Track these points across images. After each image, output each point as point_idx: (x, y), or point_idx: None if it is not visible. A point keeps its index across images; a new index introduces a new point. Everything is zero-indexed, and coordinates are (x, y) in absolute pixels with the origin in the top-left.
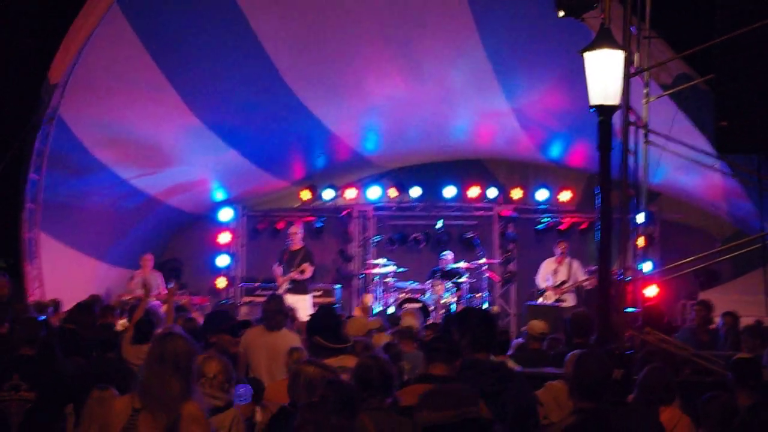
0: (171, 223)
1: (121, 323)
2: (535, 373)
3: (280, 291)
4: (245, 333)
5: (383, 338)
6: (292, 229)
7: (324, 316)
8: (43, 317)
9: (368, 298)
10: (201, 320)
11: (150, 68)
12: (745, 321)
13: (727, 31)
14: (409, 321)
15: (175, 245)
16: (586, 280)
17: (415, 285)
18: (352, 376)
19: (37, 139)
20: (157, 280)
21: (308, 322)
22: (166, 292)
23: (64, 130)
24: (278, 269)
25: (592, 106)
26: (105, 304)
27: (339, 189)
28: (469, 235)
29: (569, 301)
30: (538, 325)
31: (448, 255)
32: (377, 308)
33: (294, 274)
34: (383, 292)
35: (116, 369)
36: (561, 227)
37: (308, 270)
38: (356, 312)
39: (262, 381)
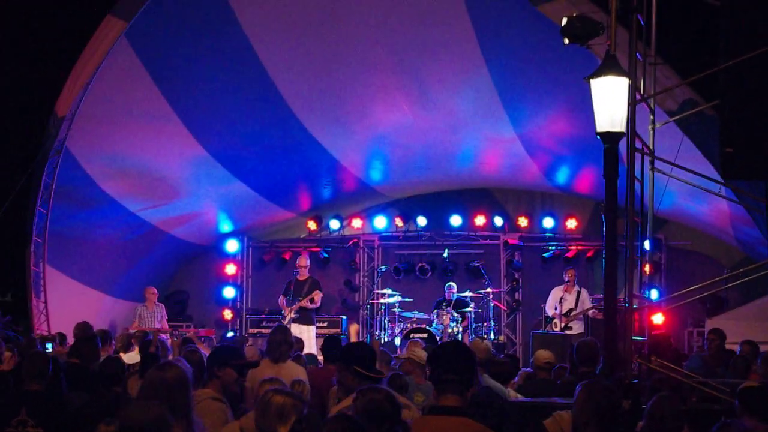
0: (177, 254)
1: (127, 356)
2: (543, 403)
3: (286, 321)
4: None
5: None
6: (301, 261)
7: (360, 346)
8: (49, 350)
9: (354, 328)
10: (206, 352)
11: (157, 99)
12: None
13: (732, 56)
14: (417, 351)
15: (182, 277)
16: (591, 308)
17: (421, 315)
18: (358, 410)
19: (45, 172)
20: (161, 312)
21: (343, 351)
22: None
23: (72, 162)
24: (283, 300)
25: (598, 133)
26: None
27: (345, 219)
28: (476, 263)
29: (577, 329)
30: (543, 354)
31: (453, 285)
32: (384, 339)
33: (305, 302)
34: (389, 322)
35: (121, 403)
36: (568, 255)
37: (318, 297)
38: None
39: None
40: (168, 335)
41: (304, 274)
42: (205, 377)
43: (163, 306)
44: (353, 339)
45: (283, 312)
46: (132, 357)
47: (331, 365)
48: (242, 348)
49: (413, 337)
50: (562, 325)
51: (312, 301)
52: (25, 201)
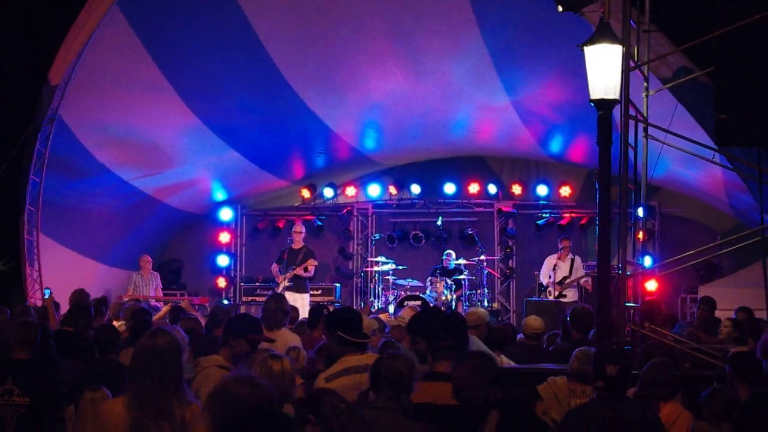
0: (171, 223)
1: (120, 324)
2: (535, 369)
3: (279, 289)
4: None
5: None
6: (297, 228)
7: (344, 311)
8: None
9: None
10: (202, 321)
11: (150, 68)
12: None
13: (726, 23)
14: (407, 318)
15: (176, 245)
16: (583, 277)
17: (415, 282)
18: (370, 372)
19: (38, 141)
20: (155, 281)
21: (328, 317)
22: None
23: (65, 131)
24: (276, 268)
25: (591, 101)
26: (97, 301)
27: (339, 187)
28: (469, 231)
29: (570, 296)
30: (532, 324)
31: (452, 254)
32: (378, 306)
33: (299, 270)
34: (383, 289)
35: (114, 370)
36: (561, 222)
37: (312, 267)
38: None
39: None
40: (162, 303)
41: (298, 243)
42: (219, 342)
43: (157, 274)
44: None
45: (276, 280)
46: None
47: (315, 331)
48: (257, 321)
49: (407, 304)
50: (556, 293)
51: (306, 269)
52: (18, 170)
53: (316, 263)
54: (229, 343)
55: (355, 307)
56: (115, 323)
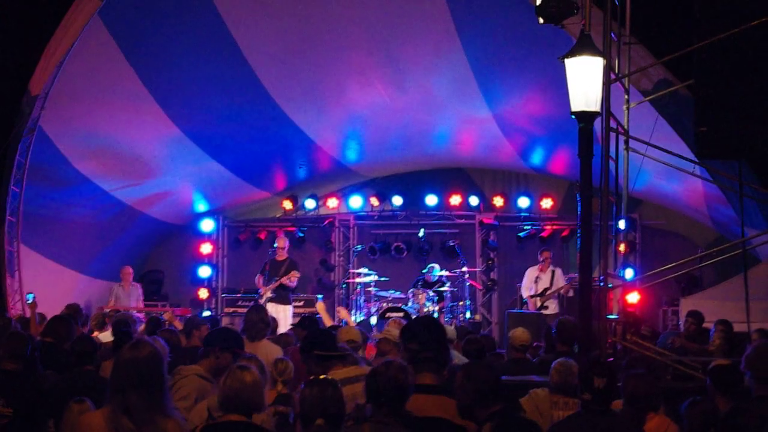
0: (152, 234)
1: (102, 336)
2: (519, 382)
3: (262, 300)
4: None
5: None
6: (280, 243)
7: (313, 333)
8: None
9: (343, 312)
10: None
11: (131, 79)
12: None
13: (706, 36)
14: (392, 331)
15: (157, 256)
16: (563, 287)
17: (397, 294)
18: (365, 383)
19: (18, 151)
20: (137, 292)
21: (302, 342)
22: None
23: (45, 141)
24: (260, 279)
25: (572, 113)
26: (83, 314)
27: (320, 199)
28: (451, 243)
29: (552, 308)
30: (520, 336)
31: (435, 267)
32: (359, 318)
33: (284, 280)
34: (365, 301)
35: (93, 382)
36: (543, 234)
37: (295, 278)
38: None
39: None
40: (144, 315)
41: (282, 255)
42: (200, 353)
43: (139, 286)
44: (324, 317)
45: (259, 291)
46: (107, 336)
47: None
48: (239, 335)
49: (389, 316)
50: (538, 305)
51: (291, 279)
52: None
53: (298, 275)
54: (215, 355)
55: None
56: (97, 334)
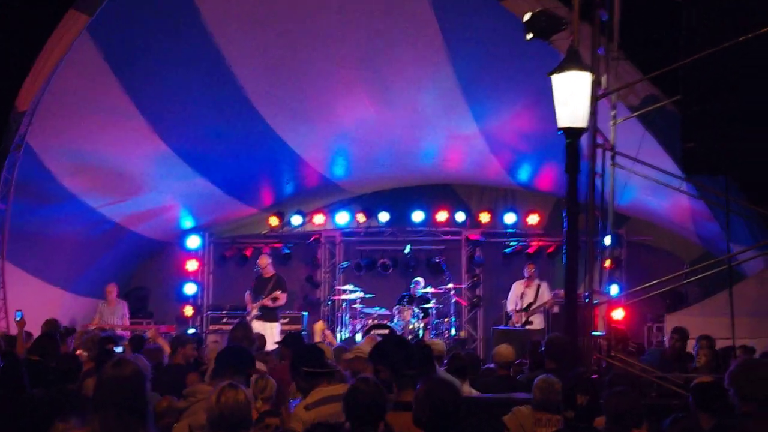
0: (138, 251)
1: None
2: (502, 399)
3: (249, 317)
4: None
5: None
6: (262, 262)
7: (303, 349)
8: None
9: (319, 325)
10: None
11: (118, 95)
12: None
13: (693, 52)
14: (363, 348)
15: (142, 273)
16: (547, 302)
17: (383, 311)
18: (343, 401)
19: (5, 167)
20: (122, 309)
21: (291, 359)
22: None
23: (32, 158)
24: (249, 296)
25: (560, 128)
26: (63, 329)
27: (307, 215)
28: (437, 259)
29: (537, 323)
30: (503, 352)
31: (420, 281)
32: (345, 335)
33: (266, 301)
34: (350, 318)
35: (74, 401)
36: (529, 251)
37: (281, 298)
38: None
39: None
40: (129, 332)
41: (268, 272)
42: (212, 373)
43: (125, 303)
44: (317, 338)
45: (248, 308)
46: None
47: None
48: (251, 354)
49: (372, 334)
50: (523, 320)
51: (274, 300)
52: None
53: (284, 294)
54: (227, 377)
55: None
56: (81, 352)
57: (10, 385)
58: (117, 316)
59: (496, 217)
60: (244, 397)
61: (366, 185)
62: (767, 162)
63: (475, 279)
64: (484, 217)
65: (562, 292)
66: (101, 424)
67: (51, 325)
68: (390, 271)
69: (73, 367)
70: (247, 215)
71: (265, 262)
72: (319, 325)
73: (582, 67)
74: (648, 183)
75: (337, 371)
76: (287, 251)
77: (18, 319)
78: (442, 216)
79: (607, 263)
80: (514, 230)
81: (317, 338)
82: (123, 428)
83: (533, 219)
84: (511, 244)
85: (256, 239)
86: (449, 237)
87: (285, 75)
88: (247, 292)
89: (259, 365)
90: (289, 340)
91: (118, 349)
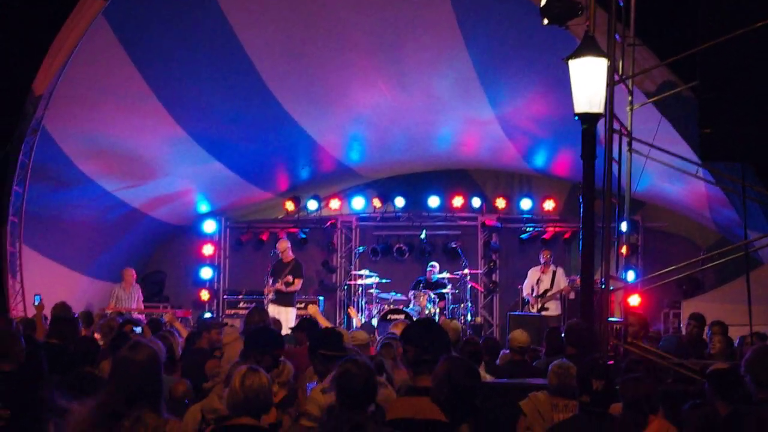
0: (155, 235)
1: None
2: (518, 384)
3: (265, 301)
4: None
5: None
6: (281, 246)
7: (322, 331)
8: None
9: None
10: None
11: (135, 79)
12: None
13: (710, 38)
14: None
15: (159, 257)
16: (564, 288)
17: (399, 296)
18: (333, 380)
19: (21, 151)
20: (137, 293)
21: (309, 342)
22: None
23: (49, 142)
24: (269, 280)
25: (576, 114)
26: (83, 315)
27: (323, 200)
28: (453, 245)
29: (553, 309)
30: (518, 338)
31: (435, 266)
32: (361, 320)
33: (279, 285)
34: (366, 303)
35: (92, 383)
36: (545, 236)
37: (296, 283)
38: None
39: None
40: (144, 316)
41: (287, 257)
42: (242, 356)
43: (139, 287)
44: (319, 319)
45: (265, 292)
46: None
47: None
48: (280, 336)
49: (391, 318)
50: (539, 306)
51: (287, 284)
52: (1, 180)
53: (300, 281)
54: (255, 359)
55: (338, 321)
56: (97, 336)
57: (29, 369)
58: (132, 299)
59: (512, 202)
60: (266, 380)
61: (382, 170)
62: None
63: (491, 265)
64: (500, 203)
65: (578, 279)
66: (111, 404)
67: (62, 309)
68: (406, 256)
69: (91, 349)
70: (263, 200)
71: (284, 246)
72: (313, 309)
73: (598, 53)
74: (664, 169)
75: (355, 355)
76: (303, 236)
77: (36, 303)
78: (458, 201)
79: (624, 249)
80: (530, 216)
81: (321, 321)
82: (135, 409)
83: (549, 205)
84: (527, 229)
85: (272, 224)
86: (465, 222)
87: (301, 60)
88: (267, 277)
89: None
90: (304, 324)
91: (137, 329)
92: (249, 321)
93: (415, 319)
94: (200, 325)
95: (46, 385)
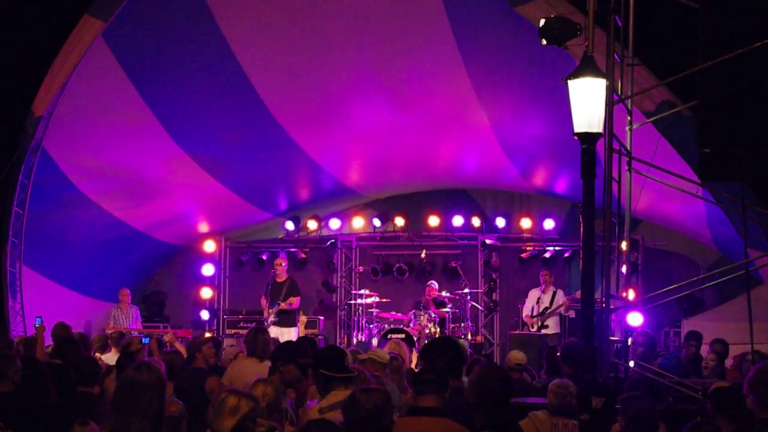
0: (154, 255)
1: (105, 357)
2: (517, 404)
3: (267, 324)
4: (231, 365)
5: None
6: (278, 261)
7: (326, 349)
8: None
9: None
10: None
11: (134, 100)
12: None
13: (709, 57)
14: (378, 352)
15: (159, 277)
16: (562, 305)
17: (399, 315)
18: (342, 410)
19: (21, 172)
20: (134, 313)
21: (314, 356)
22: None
23: (48, 162)
24: (264, 302)
25: (575, 134)
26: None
27: (323, 220)
28: (453, 264)
29: (552, 327)
30: (515, 356)
31: (434, 284)
32: (361, 339)
33: (284, 305)
34: (366, 323)
35: (93, 403)
36: (545, 255)
37: (295, 302)
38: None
39: None
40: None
41: (282, 276)
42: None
43: (136, 308)
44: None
45: (264, 314)
46: (110, 358)
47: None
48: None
49: (391, 338)
50: (539, 324)
51: (291, 304)
52: (1, 201)
53: (298, 298)
54: (279, 370)
55: (338, 341)
56: (99, 356)
57: (31, 389)
58: (130, 319)
59: (512, 221)
60: (272, 390)
61: (381, 190)
62: None
63: (491, 284)
64: (500, 222)
65: (578, 293)
66: (117, 425)
67: (62, 329)
68: (406, 275)
69: (92, 369)
70: (262, 220)
71: (280, 261)
72: (303, 319)
73: (597, 73)
74: (664, 188)
75: (359, 374)
76: (303, 256)
77: (38, 325)
78: (457, 221)
79: (624, 268)
80: (530, 235)
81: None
82: (137, 431)
83: (549, 224)
84: (527, 249)
85: (272, 244)
86: (465, 242)
87: (301, 80)
88: (263, 298)
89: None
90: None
91: (146, 340)
92: (249, 342)
93: (415, 338)
94: (191, 347)
95: (46, 404)
